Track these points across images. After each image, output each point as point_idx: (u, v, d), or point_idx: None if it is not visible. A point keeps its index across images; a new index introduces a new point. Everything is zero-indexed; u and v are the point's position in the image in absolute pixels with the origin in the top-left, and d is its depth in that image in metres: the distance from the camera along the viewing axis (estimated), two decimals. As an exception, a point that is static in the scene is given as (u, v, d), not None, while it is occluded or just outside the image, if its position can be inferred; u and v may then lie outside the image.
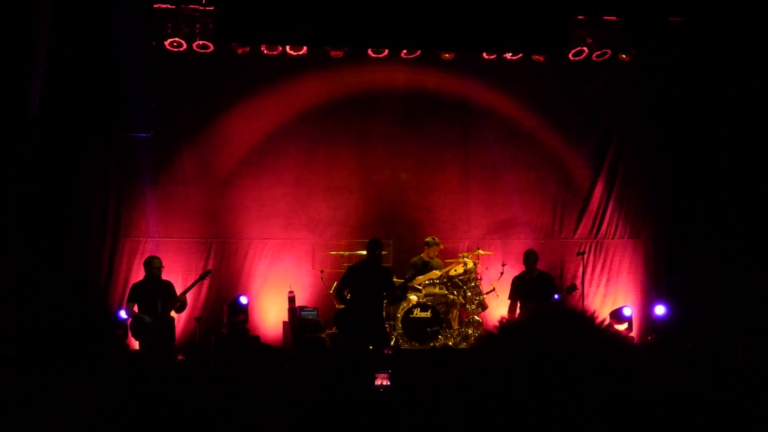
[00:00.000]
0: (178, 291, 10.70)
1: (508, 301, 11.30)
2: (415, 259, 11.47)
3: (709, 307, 11.53)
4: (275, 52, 11.78)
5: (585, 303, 11.42)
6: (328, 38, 11.24)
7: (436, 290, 11.21)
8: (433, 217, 12.35)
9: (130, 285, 11.02)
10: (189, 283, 10.92)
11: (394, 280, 10.63)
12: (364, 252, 10.70)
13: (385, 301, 10.46)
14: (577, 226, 12.56)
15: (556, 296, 11.12)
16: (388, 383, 5.32)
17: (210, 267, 11.71)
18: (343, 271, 10.84)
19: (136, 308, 10.45)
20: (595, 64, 12.22)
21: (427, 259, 11.40)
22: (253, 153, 12.09)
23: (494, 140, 12.47)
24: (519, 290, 11.21)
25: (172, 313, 10.67)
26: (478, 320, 11.38)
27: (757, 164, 11.07)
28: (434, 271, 11.30)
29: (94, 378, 1.70)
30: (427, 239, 11.46)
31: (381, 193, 12.33)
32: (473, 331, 11.20)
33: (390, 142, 12.36)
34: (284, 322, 11.35)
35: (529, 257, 11.33)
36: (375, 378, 5.20)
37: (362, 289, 10.21)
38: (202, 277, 10.98)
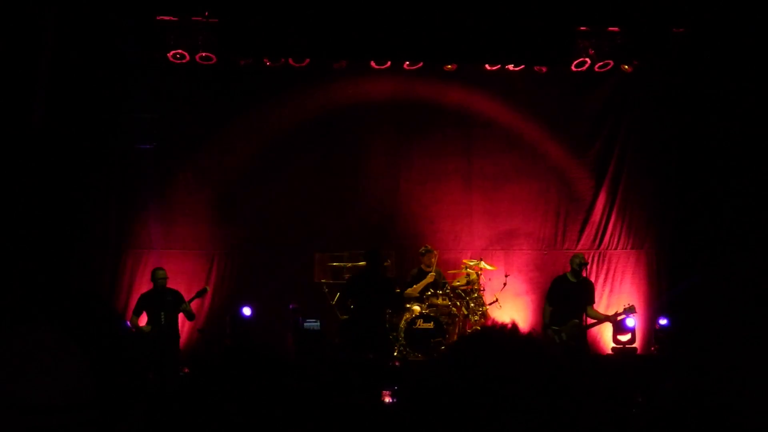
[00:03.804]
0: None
1: (545, 304, 11.07)
2: (413, 271, 11.47)
3: (712, 317, 11.49)
4: (278, 64, 11.81)
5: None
6: (331, 50, 11.27)
7: (439, 301, 11.19)
8: (435, 228, 12.35)
9: (133, 296, 11.04)
10: (190, 296, 10.91)
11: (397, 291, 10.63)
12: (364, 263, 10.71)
13: (388, 311, 10.45)
14: (579, 237, 12.55)
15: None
16: (393, 399, 5.32)
17: (213, 277, 11.73)
18: (345, 282, 10.86)
19: (143, 318, 10.44)
20: (597, 75, 12.22)
21: (425, 269, 11.39)
22: (255, 164, 12.11)
23: (496, 151, 12.48)
24: (557, 294, 10.85)
25: (182, 322, 10.70)
26: (482, 331, 11.34)
27: (760, 174, 11.06)
28: (428, 276, 11.23)
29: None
30: (420, 249, 11.46)
31: (383, 203, 12.33)
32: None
33: (392, 153, 12.37)
34: (287, 333, 11.33)
35: (574, 260, 10.91)
36: (381, 395, 5.19)
37: (363, 300, 10.21)
38: (198, 295, 10.93)
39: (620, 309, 11.09)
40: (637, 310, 11.17)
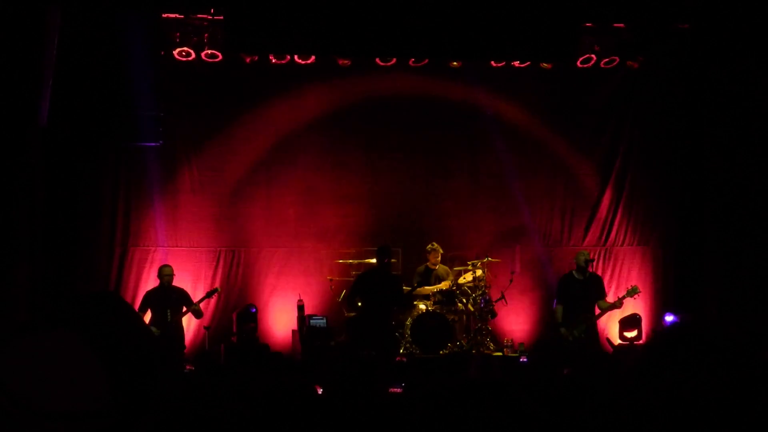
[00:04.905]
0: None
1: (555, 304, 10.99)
2: (420, 268, 11.46)
3: (719, 313, 11.47)
4: (283, 61, 11.80)
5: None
6: (336, 47, 11.24)
7: (446, 298, 11.17)
8: (441, 225, 12.33)
9: (139, 294, 11.05)
10: (197, 293, 10.92)
11: (404, 288, 10.64)
12: (374, 260, 10.71)
13: (395, 309, 10.47)
14: (585, 234, 12.54)
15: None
16: (401, 392, 5.37)
17: (219, 275, 11.75)
18: (351, 279, 10.86)
19: (148, 315, 10.44)
20: (602, 71, 12.20)
21: (431, 267, 11.38)
22: (261, 162, 12.11)
23: (502, 148, 12.45)
24: (565, 292, 10.80)
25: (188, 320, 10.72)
26: (488, 328, 11.35)
27: (765, 170, 11.03)
28: (444, 282, 11.25)
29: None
30: (427, 246, 11.45)
31: (389, 201, 12.32)
32: (482, 339, 11.16)
33: (398, 150, 12.36)
34: (293, 331, 11.35)
35: (579, 257, 10.86)
36: (389, 390, 5.23)
37: (372, 297, 10.21)
38: (208, 295, 10.94)
39: (623, 293, 10.92)
40: (640, 290, 10.96)
